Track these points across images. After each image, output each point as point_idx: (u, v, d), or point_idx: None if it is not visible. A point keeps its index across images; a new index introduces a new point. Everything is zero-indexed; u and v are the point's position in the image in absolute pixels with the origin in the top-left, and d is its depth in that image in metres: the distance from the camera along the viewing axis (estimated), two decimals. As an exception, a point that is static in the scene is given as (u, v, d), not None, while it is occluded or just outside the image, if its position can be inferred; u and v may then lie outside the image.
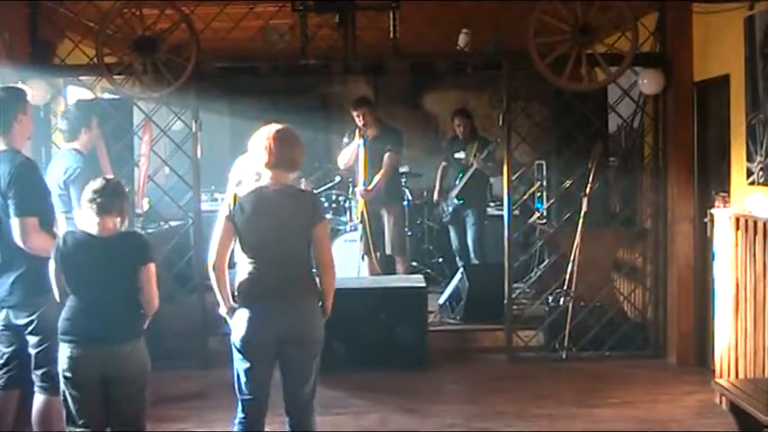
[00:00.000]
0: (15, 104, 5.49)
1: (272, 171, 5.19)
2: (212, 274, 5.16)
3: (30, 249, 5.21)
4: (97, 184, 5.00)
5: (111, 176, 5.15)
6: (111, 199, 4.96)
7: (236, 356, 5.21)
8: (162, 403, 7.05)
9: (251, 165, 5.42)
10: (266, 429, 5.39)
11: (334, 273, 5.40)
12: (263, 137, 5.21)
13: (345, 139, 10.33)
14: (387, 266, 10.37)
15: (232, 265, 5.25)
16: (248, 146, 5.31)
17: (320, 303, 5.29)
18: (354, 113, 10.02)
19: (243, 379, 5.20)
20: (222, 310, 5.25)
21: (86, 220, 5.00)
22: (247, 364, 5.16)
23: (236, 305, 5.19)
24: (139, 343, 5.06)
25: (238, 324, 5.15)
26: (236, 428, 5.27)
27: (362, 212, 9.89)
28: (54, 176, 6.29)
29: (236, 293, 5.20)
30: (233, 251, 5.21)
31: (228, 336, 5.28)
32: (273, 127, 5.28)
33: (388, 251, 10.28)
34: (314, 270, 5.37)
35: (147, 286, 5.02)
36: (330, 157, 12.39)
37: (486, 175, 11.00)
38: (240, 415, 5.25)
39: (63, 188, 6.23)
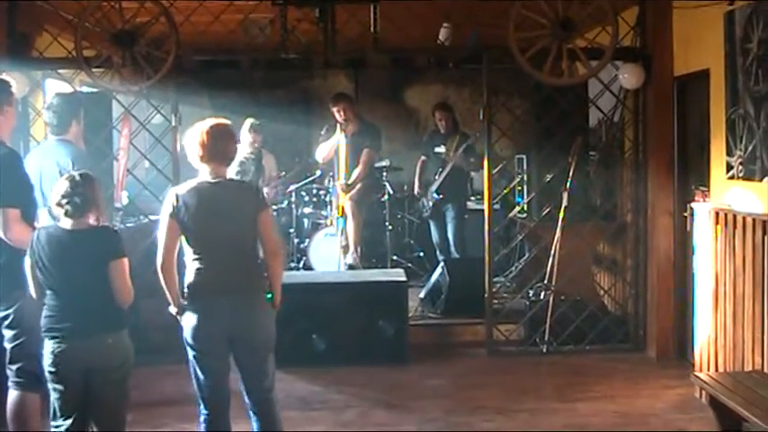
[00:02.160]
0: (1, 96, 5.46)
1: (208, 165, 5.18)
2: (161, 274, 5.14)
3: (10, 241, 5.18)
4: (64, 185, 4.94)
5: (76, 173, 5.06)
6: (84, 200, 4.92)
7: (190, 354, 5.21)
8: (142, 399, 7.02)
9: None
10: (238, 429, 5.41)
11: (281, 260, 5.45)
12: (197, 132, 5.21)
13: (323, 133, 10.35)
14: (367, 260, 10.36)
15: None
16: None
17: (269, 296, 5.28)
18: (334, 109, 10.03)
19: (200, 376, 5.20)
20: (172, 309, 5.23)
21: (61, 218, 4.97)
22: (202, 361, 5.17)
23: (185, 303, 5.17)
24: (120, 334, 5.03)
25: (189, 322, 5.15)
26: (201, 426, 5.28)
27: (342, 206, 9.90)
28: (51, 168, 6.22)
29: (185, 291, 5.18)
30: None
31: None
32: (208, 121, 5.28)
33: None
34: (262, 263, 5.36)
35: (117, 281, 4.96)
36: (311, 152, 12.36)
37: (467, 169, 10.99)
38: (204, 412, 5.26)
39: None
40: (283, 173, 12.07)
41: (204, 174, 5.20)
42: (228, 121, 5.37)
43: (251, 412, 5.32)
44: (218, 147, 5.18)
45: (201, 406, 5.26)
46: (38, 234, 4.96)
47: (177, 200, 5.10)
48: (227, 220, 5.14)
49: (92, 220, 4.98)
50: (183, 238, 5.16)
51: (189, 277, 5.18)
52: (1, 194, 5.17)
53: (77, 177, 4.97)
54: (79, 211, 4.90)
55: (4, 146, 5.40)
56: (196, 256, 5.15)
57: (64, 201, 4.88)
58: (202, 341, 5.13)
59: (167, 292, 5.18)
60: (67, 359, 4.87)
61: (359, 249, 10.23)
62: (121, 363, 5.02)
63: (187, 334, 5.16)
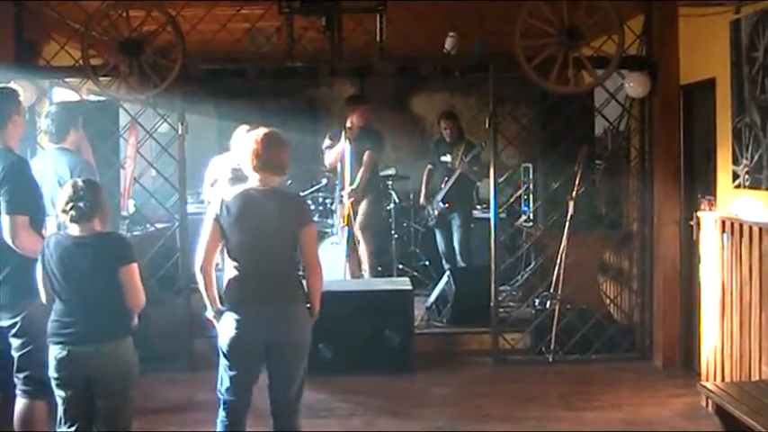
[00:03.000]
0: (10, 105, 5.51)
1: (259, 174, 5.19)
2: (199, 277, 5.16)
3: (18, 248, 5.19)
4: (68, 191, 4.97)
5: (79, 180, 5.09)
6: (88, 205, 4.94)
7: (223, 361, 5.21)
8: (148, 406, 7.02)
9: (227, 165, 5.42)
10: (254, 430, 5.41)
11: (321, 275, 5.42)
12: (250, 140, 5.23)
13: (327, 141, 10.34)
14: (373, 268, 10.36)
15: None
16: (231, 146, 5.32)
17: (307, 306, 5.29)
18: (351, 112, 10.07)
19: (227, 383, 5.20)
20: (209, 314, 5.24)
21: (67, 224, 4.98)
22: (234, 369, 5.17)
23: (223, 308, 5.18)
24: (125, 342, 5.04)
25: (226, 328, 5.14)
26: (218, 428, 5.27)
27: (349, 214, 9.90)
28: (50, 176, 6.25)
29: (223, 296, 5.19)
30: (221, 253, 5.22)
31: (214, 338, 5.28)
32: (261, 130, 5.31)
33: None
34: (300, 273, 5.37)
35: (128, 286, 4.99)
36: (317, 160, 12.36)
37: (472, 178, 10.99)
38: (222, 415, 5.25)
39: None
40: (290, 181, 12.09)
41: (254, 181, 5.21)
42: (279, 131, 5.37)
43: (272, 416, 5.33)
44: (271, 155, 5.19)
45: (222, 410, 5.26)
46: (48, 242, 4.98)
47: (223, 204, 5.13)
48: (267, 230, 5.15)
49: (98, 227, 5.00)
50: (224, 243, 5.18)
51: (227, 283, 5.19)
52: (9, 201, 5.18)
53: (81, 183, 5.01)
54: (84, 216, 4.92)
55: (13, 153, 5.43)
56: (235, 263, 5.16)
57: (68, 206, 4.91)
58: (237, 349, 5.14)
59: (205, 296, 5.19)
60: (71, 365, 4.89)
61: (372, 267, 10.33)
62: (125, 370, 5.03)
63: (222, 341, 5.17)
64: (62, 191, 5.04)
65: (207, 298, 5.19)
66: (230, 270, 5.19)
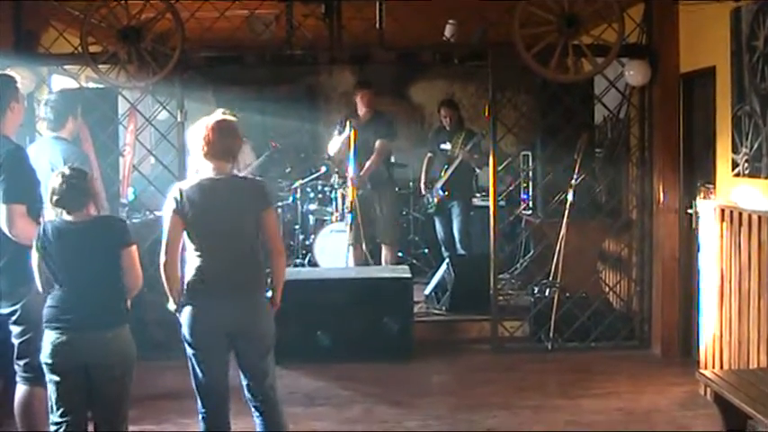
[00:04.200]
0: (8, 92, 5.48)
1: (211, 162, 5.15)
2: (162, 270, 5.10)
3: (15, 237, 5.17)
4: (56, 182, 4.94)
5: (66, 168, 5.07)
6: (78, 192, 4.93)
7: (189, 351, 5.17)
8: (145, 393, 7.03)
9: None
10: (238, 428, 5.42)
11: (284, 260, 5.41)
12: (201, 127, 5.18)
13: (338, 128, 10.28)
14: (375, 256, 10.37)
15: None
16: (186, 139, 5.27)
17: (269, 295, 5.27)
18: (358, 95, 10.12)
19: (198, 373, 5.17)
20: (171, 306, 5.19)
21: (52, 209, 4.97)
22: (201, 358, 5.14)
23: (184, 299, 5.14)
24: (123, 329, 5.03)
25: (188, 319, 5.11)
26: (200, 425, 5.27)
27: (353, 201, 9.85)
28: (44, 165, 6.23)
29: (184, 287, 5.14)
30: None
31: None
32: (212, 117, 5.26)
33: (378, 239, 10.29)
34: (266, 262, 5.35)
35: (129, 269, 4.99)
36: (316, 148, 12.37)
37: (472, 166, 10.99)
38: (202, 410, 5.23)
39: None
40: (288, 169, 12.09)
41: (208, 170, 5.17)
42: (233, 117, 5.32)
43: (253, 408, 5.30)
44: (223, 143, 5.14)
45: (200, 404, 5.24)
46: (44, 227, 4.96)
47: (181, 195, 5.07)
48: (230, 216, 5.12)
49: (93, 212, 4.99)
50: (185, 234, 5.13)
51: (189, 273, 5.14)
52: (7, 190, 5.16)
53: (67, 172, 4.97)
54: (74, 204, 4.91)
55: (11, 141, 5.41)
56: (198, 253, 5.11)
57: (56, 198, 4.89)
58: (201, 338, 5.10)
59: (167, 289, 5.13)
60: (67, 351, 4.87)
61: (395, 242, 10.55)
62: (122, 358, 5.01)
63: (186, 331, 5.13)
64: (50, 181, 5.00)
65: (169, 291, 5.13)
66: (192, 259, 5.14)
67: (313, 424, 6.61)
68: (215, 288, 5.09)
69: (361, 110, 10.03)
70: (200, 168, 5.23)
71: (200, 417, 5.25)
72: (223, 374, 5.21)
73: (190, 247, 5.15)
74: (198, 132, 5.18)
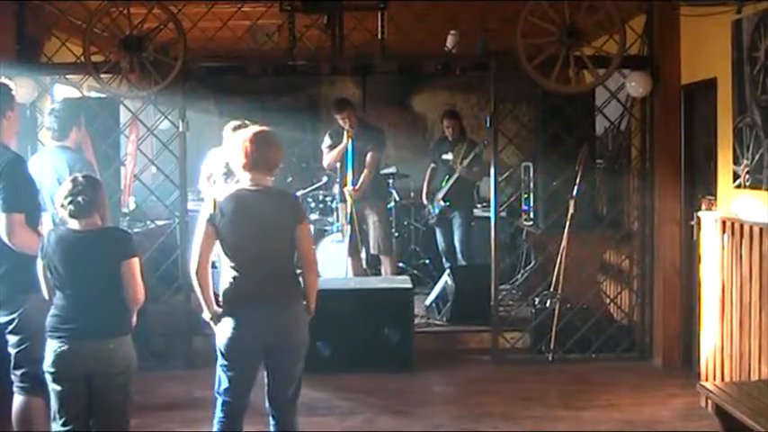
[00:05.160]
0: (3, 100, 5.47)
1: (250, 173, 5.14)
2: (194, 279, 5.12)
3: (14, 246, 5.17)
4: (67, 187, 4.96)
5: (79, 175, 5.08)
6: (88, 200, 4.93)
7: (221, 362, 5.18)
8: (147, 403, 7.04)
9: (222, 158, 5.36)
10: (251, 430, 5.40)
11: (317, 272, 5.42)
12: (240, 139, 5.17)
13: (327, 140, 10.29)
14: (374, 266, 10.38)
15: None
16: (224, 143, 5.27)
17: (304, 303, 5.27)
18: (338, 117, 9.99)
19: (225, 384, 5.18)
20: (206, 315, 5.20)
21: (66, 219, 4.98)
22: (233, 371, 5.15)
23: (220, 310, 5.15)
24: (125, 339, 5.03)
25: (224, 330, 5.11)
26: (215, 428, 5.25)
27: (351, 212, 9.89)
28: (49, 174, 6.24)
29: (220, 298, 5.16)
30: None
31: (213, 336, 5.26)
32: (251, 129, 5.26)
33: (373, 251, 10.30)
34: (297, 271, 5.35)
35: (129, 281, 4.98)
36: (317, 158, 12.36)
37: (472, 178, 10.99)
38: (219, 415, 5.23)
39: None
40: (290, 179, 12.10)
41: (245, 181, 5.16)
42: (271, 129, 5.31)
43: (271, 416, 5.32)
44: (261, 154, 5.12)
45: (219, 411, 5.23)
46: (48, 236, 4.97)
47: (216, 206, 5.07)
48: (262, 229, 5.12)
49: (98, 222, 5.00)
50: (219, 244, 5.13)
51: (224, 285, 5.15)
52: (5, 199, 5.16)
53: (81, 179, 4.99)
54: (84, 211, 4.92)
55: (9, 150, 5.39)
56: (232, 264, 5.12)
57: (67, 201, 4.90)
58: (236, 351, 5.11)
59: (201, 298, 5.14)
60: (69, 360, 4.88)
61: (392, 253, 10.53)
62: (124, 368, 5.01)
63: (220, 342, 5.14)
64: (62, 186, 5.03)
65: (203, 300, 5.15)
66: (227, 271, 5.15)
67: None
68: (251, 299, 5.09)
69: (350, 129, 9.96)
70: (240, 179, 5.22)
71: (216, 420, 5.24)
72: (250, 386, 5.24)
73: (224, 258, 5.15)
74: (237, 143, 5.17)
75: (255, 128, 5.27)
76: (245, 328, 5.07)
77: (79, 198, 4.90)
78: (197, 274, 5.11)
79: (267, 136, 5.22)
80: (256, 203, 5.12)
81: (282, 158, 5.34)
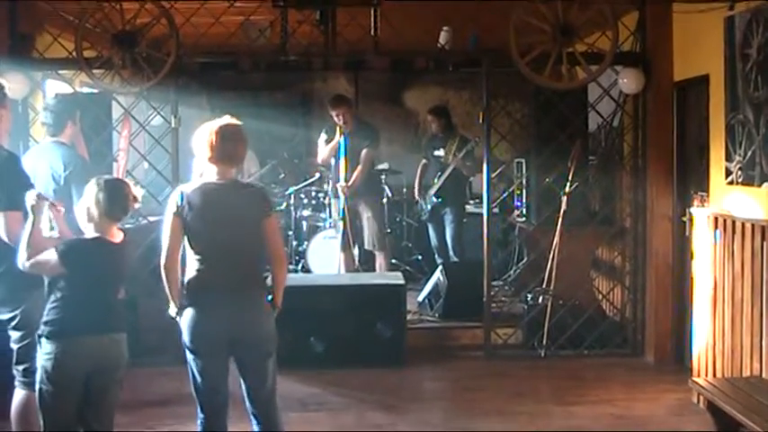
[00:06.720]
0: None
1: (216, 166, 5.12)
2: (163, 273, 5.08)
3: (14, 243, 5.16)
4: (109, 190, 4.92)
5: (113, 178, 5.09)
6: (125, 205, 4.96)
7: (189, 356, 5.14)
8: (137, 399, 7.03)
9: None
10: (237, 430, 5.41)
11: (286, 266, 5.40)
12: (206, 131, 5.15)
13: (323, 135, 10.30)
14: (366, 262, 10.38)
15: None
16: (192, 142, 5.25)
17: (270, 298, 5.24)
18: (333, 112, 9.99)
19: (198, 378, 5.13)
20: (172, 311, 5.16)
21: (96, 223, 4.95)
22: (201, 363, 5.10)
23: (184, 303, 5.11)
24: (123, 336, 5.03)
25: (188, 322, 5.07)
26: (198, 429, 5.23)
27: (344, 207, 9.89)
28: (44, 170, 6.22)
29: (184, 291, 5.11)
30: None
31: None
32: (217, 121, 5.22)
33: (368, 247, 10.30)
34: (267, 267, 5.33)
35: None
36: (310, 154, 12.35)
37: (465, 173, 10.99)
38: (200, 415, 5.19)
39: (62, 183, 6.16)
40: (282, 175, 12.09)
41: (211, 174, 5.14)
42: (238, 122, 5.29)
43: (252, 416, 5.27)
44: (227, 147, 5.11)
45: (199, 409, 5.20)
46: (71, 246, 4.93)
47: (182, 198, 5.04)
48: (231, 221, 5.09)
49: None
50: (185, 237, 5.10)
51: (189, 277, 5.11)
52: (2, 198, 5.15)
53: (114, 182, 5.04)
54: (124, 212, 4.99)
55: (3, 149, 5.37)
56: (197, 257, 5.08)
57: (107, 207, 4.87)
58: (201, 342, 5.06)
59: (168, 293, 5.10)
60: (73, 357, 4.85)
61: (386, 248, 10.50)
62: (124, 361, 5.02)
63: (185, 335, 5.09)
64: (90, 194, 4.95)
65: (170, 295, 5.11)
66: (192, 264, 5.11)
67: (306, 430, 6.59)
68: (215, 292, 5.05)
69: (344, 125, 9.96)
70: (204, 172, 5.20)
71: (199, 422, 5.21)
72: (222, 380, 5.16)
73: (189, 250, 5.11)
74: (203, 135, 5.15)
75: (222, 120, 5.23)
76: (208, 320, 5.03)
77: (119, 206, 4.94)
78: (165, 267, 5.07)
79: (234, 129, 5.21)
80: (223, 196, 5.10)
81: (246, 151, 5.32)
